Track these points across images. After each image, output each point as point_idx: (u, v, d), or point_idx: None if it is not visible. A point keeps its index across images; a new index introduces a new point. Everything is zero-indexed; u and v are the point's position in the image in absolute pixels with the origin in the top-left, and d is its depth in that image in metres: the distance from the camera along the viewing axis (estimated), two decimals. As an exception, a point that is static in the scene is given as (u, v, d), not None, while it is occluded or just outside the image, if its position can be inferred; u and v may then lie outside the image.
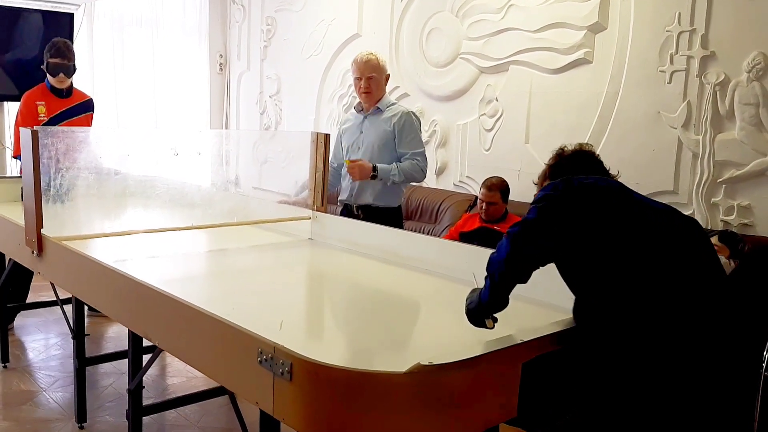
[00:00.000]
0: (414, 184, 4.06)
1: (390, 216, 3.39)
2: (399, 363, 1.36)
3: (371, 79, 3.42)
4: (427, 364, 1.32)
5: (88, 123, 4.06)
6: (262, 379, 1.46)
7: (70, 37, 5.20)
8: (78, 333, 2.86)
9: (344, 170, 3.45)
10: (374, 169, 3.32)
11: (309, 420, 1.39)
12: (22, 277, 3.94)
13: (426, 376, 1.32)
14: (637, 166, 3.51)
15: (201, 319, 1.69)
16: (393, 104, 3.52)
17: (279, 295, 2.26)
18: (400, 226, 3.46)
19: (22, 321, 4.20)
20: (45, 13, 5.25)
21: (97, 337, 4.01)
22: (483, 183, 3.82)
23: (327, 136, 3.08)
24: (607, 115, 3.70)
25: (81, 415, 2.92)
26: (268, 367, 1.44)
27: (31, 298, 4.16)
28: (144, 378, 2.45)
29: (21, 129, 2.54)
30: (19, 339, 3.98)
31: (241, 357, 1.55)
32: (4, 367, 3.54)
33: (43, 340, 3.98)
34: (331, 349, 1.77)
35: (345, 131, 3.62)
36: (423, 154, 3.42)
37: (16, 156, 3.89)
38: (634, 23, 3.57)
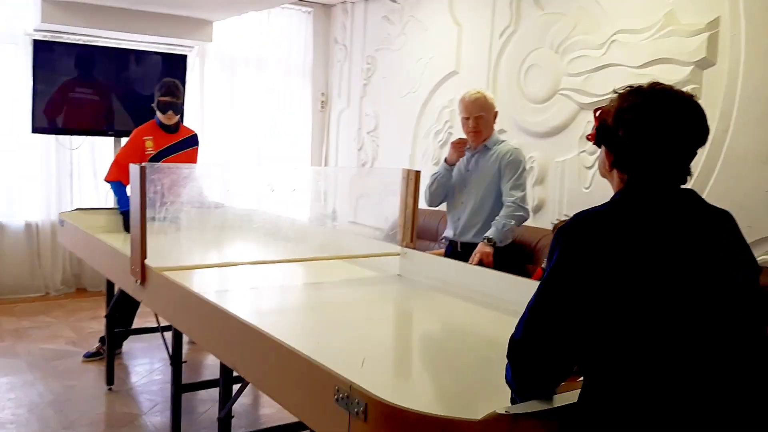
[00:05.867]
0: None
1: (498, 255, 3.26)
2: (478, 410, 1.33)
3: (480, 119, 3.40)
4: (503, 413, 1.28)
5: (194, 156, 4.27)
6: (338, 417, 1.46)
7: (183, 77, 5.54)
8: (175, 359, 2.96)
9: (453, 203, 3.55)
10: (490, 241, 3.25)
11: (381, 462, 1.37)
12: (129, 304, 4.15)
13: (501, 424, 1.27)
14: (750, 209, 3.29)
15: (283, 353, 1.71)
16: (502, 142, 3.49)
17: (365, 331, 2.27)
18: (509, 266, 3.24)
19: (130, 346, 4.41)
20: (162, 55, 5.63)
21: (195, 364, 4.16)
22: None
23: (418, 173, 3.08)
24: (716, 154, 3.50)
25: (175, 440, 3.02)
26: (344, 406, 1.44)
27: (138, 324, 4.37)
28: (236, 407, 2.51)
29: (130, 165, 2.69)
30: (125, 363, 4.18)
31: (319, 393, 1.55)
32: (109, 389, 3.72)
33: (147, 365, 4.17)
34: (410, 390, 1.75)
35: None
36: (522, 197, 3.36)
37: (108, 180, 4.12)
38: (745, 58, 3.38)
